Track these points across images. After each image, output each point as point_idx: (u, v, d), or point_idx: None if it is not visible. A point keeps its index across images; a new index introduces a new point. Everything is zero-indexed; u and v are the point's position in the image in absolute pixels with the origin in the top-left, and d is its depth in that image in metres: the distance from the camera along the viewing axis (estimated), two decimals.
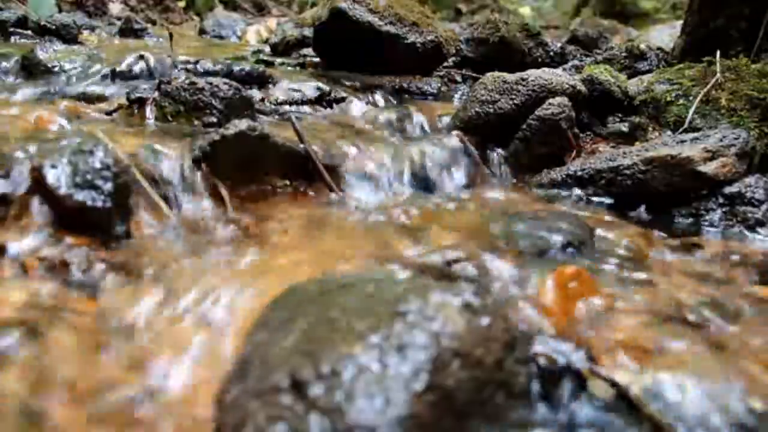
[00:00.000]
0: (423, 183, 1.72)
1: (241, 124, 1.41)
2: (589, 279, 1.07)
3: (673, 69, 2.21)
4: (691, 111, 1.93)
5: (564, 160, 1.85)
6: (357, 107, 2.24)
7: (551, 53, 3.16)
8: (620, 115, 2.13)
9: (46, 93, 1.97)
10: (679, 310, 1.04)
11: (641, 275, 1.18)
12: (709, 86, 1.96)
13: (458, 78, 2.84)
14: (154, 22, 5.37)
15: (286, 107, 2.07)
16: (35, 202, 1.09)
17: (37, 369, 0.77)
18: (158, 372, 0.80)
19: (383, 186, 1.65)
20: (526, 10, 8.57)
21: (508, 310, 0.97)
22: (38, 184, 1.09)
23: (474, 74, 2.79)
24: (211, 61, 2.36)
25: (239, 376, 0.68)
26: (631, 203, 1.61)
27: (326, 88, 2.26)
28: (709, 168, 1.55)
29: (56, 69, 2.18)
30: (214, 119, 1.70)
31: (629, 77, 2.31)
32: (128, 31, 3.61)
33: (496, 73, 2.02)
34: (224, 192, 1.38)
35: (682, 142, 1.64)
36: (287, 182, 1.51)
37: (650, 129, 2.03)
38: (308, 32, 3.26)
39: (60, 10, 4.20)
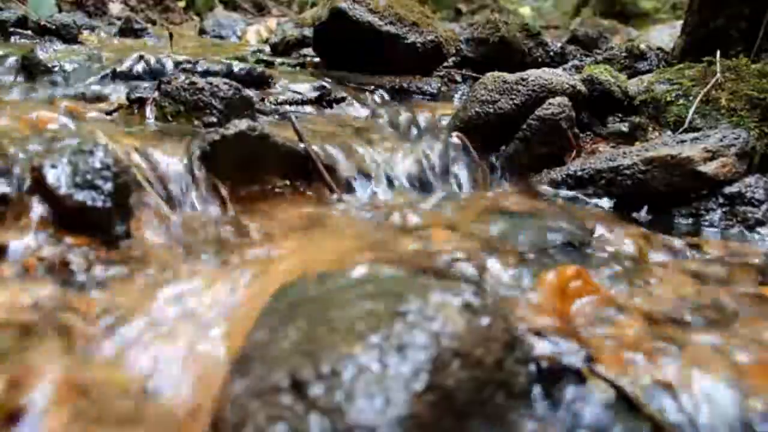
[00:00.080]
0: (423, 183, 1.72)
1: (241, 124, 1.41)
2: (589, 279, 1.07)
3: (673, 69, 2.21)
4: (691, 111, 1.93)
5: (564, 160, 1.85)
6: (357, 107, 2.24)
7: (551, 53, 3.16)
8: (620, 115, 2.13)
9: (46, 93, 1.97)
10: (679, 310, 1.04)
11: (641, 275, 1.18)
12: (709, 86, 1.96)
13: (458, 78, 2.84)
14: (154, 22, 5.37)
15: (286, 107, 2.07)
16: (35, 202, 1.09)
17: (36, 369, 0.77)
18: (158, 372, 0.80)
19: (383, 186, 1.65)
20: (526, 10, 8.57)
21: (508, 310, 0.97)
22: (38, 184, 1.09)
23: (474, 74, 2.78)
24: (211, 61, 2.36)
25: (239, 376, 0.68)
26: (631, 203, 1.61)
27: (326, 88, 2.26)
28: (709, 168, 1.55)
29: (56, 69, 2.18)
30: (214, 119, 1.70)
31: (629, 77, 2.31)
32: (128, 31, 3.61)
33: (496, 73, 2.02)
34: (224, 192, 1.38)
35: (682, 142, 1.64)
36: (287, 182, 1.51)
37: (650, 129, 2.03)
38: (308, 32, 3.27)
39: (60, 10, 4.20)
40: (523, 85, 1.93)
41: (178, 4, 6.43)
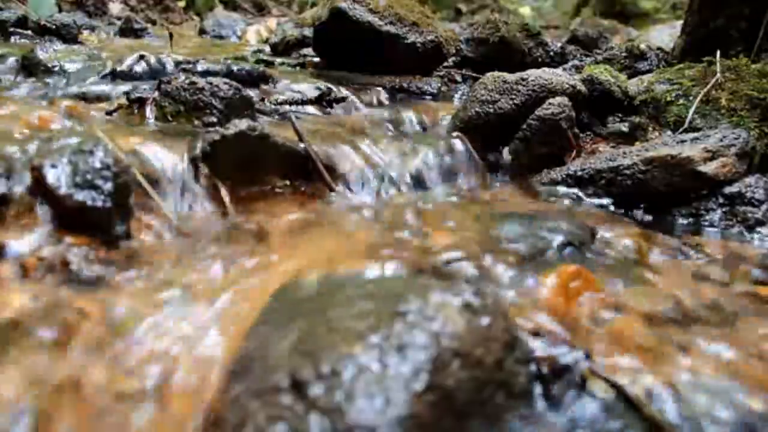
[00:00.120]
0: (423, 183, 1.72)
1: (241, 124, 1.41)
2: (590, 279, 1.07)
3: (673, 69, 2.21)
4: (691, 111, 1.93)
5: (564, 160, 1.85)
6: (357, 107, 2.24)
7: (551, 53, 3.16)
8: (620, 115, 2.13)
9: (46, 93, 1.97)
10: (679, 310, 1.04)
11: (641, 275, 1.18)
12: (709, 86, 1.96)
13: (458, 78, 2.84)
14: (154, 22, 5.38)
15: (286, 107, 2.07)
16: (35, 202, 1.09)
17: (36, 369, 0.77)
18: (158, 372, 0.80)
19: (383, 186, 1.64)
20: (526, 10, 8.57)
21: (508, 310, 0.97)
22: (38, 184, 1.09)
23: (474, 74, 2.79)
24: (211, 60, 2.36)
25: (239, 376, 0.68)
26: (631, 203, 1.61)
27: (326, 88, 2.26)
28: (709, 168, 1.55)
29: (56, 69, 2.18)
30: (214, 119, 1.70)
31: (629, 77, 2.31)
32: (128, 30, 3.61)
33: (496, 73, 2.02)
34: (224, 192, 1.38)
35: (682, 142, 1.64)
36: (287, 182, 1.51)
37: (650, 129, 2.03)
38: (308, 32, 3.27)
39: (60, 10, 4.20)
40: (523, 85, 1.93)
41: (178, 4, 6.43)
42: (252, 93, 2.02)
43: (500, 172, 1.88)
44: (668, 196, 1.58)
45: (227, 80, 1.80)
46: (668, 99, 2.05)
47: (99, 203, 1.09)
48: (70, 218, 1.08)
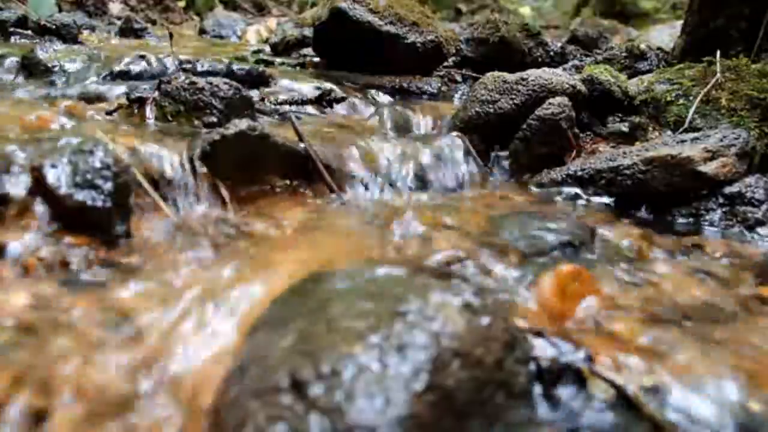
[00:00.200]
0: (423, 183, 1.72)
1: (241, 124, 1.41)
2: (589, 279, 1.07)
3: (673, 69, 2.21)
4: (691, 111, 1.93)
5: (564, 160, 1.85)
6: (357, 107, 2.24)
7: (551, 53, 3.16)
8: (620, 115, 2.13)
9: (46, 93, 1.97)
10: (679, 310, 1.04)
11: (641, 275, 1.18)
12: (709, 86, 1.96)
13: (458, 78, 2.84)
14: (154, 22, 5.37)
15: (286, 107, 2.07)
16: (35, 202, 1.09)
17: (36, 369, 0.77)
18: (157, 372, 0.80)
19: (383, 186, 1.64)
20: (526, 10, 8.57)
21: (508, 309, 0.97)
22: (38, 184, 1.09)
23: (474, 74, 2.79)
24: (212, 60, 2.36)
25: (239, 376, 0.68)
26: (632, 203, 1.61)
27: (326, 87, 2.26)
28: (709, 168, 1.55)
29: (56, 69, 2.18)
30: (214, 119, 1.70)
31: (629, 77, 2.31)
32: (128, 30, 3.61)
33: (496, 73, 2.02)
34: (224, 192, 1.38)
35: (683, 142, 1.64)
36: (287, 182, 1.51)
37: (650, 129, 2.03)
38: (308, 32, 3.27)
39: (60, 10, 4.20)
40: (523, 85, 1.93)
41: (178, 4, 6.43)
42: (252, 93, 2.02)
43: (500, 171, 1.88)
44: (668, 196, 1.58)
45: (227, 80, 1.80)
46: (668, 99, 2.05)
47: (99, 203, 1.09)
48: (70, 218, 1.08)
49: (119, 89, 1.99)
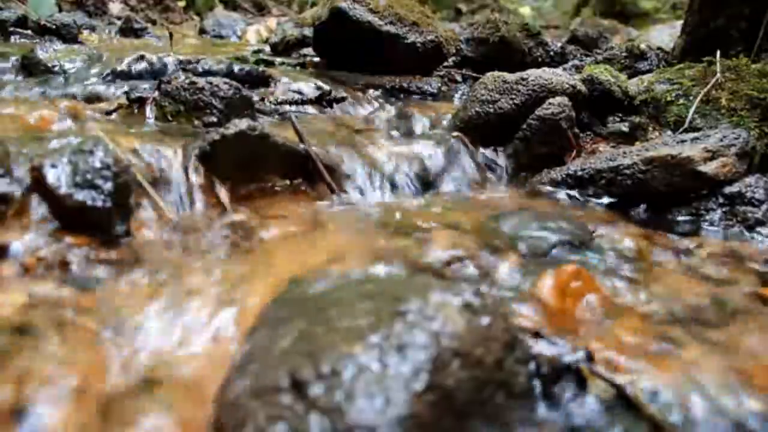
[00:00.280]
0: (423, 183, 1.72)
1: (242, 124, 1.41)
2: (589, 278, 1.07)
3: (673, 69, 2.21)
4: (691, 111, 1.93)
5: (564, 159, 1.85)
6: (357, 107, 2.24)
7: (551, 53, 3.16)
8: (620, 114, 2.13)
9: (46, 92, 1.97)
10: (679, 310, 1.04)
11: (641, 275, 1.18)
12: (709, 86, 1.96)
13: (458, 78, 2.84)
14: (154, 22, 5.37)
15: (286, 107, 2.07)
16: (35, 202, 1.09)
17: (36, 369, 0.77)
18: (157, 371, 0.80)
19: (383, 185, 1.64)
20: (526, 10, 8.56)
21: (508, 309, 0.97)
22: (38, 184, 1.09)
23: (474, 74, 2.79)
24: (212, 60, 2.36)
25: (239, 376, 0.68)
26: (632, 203, 1.61)
27: (326, 87, 2.26)
28: (709, 168, 1.55)
29: (56, 69, 2.18)
30: (214, 119, 1.70)
31: (629, 77, 2.31)
32: (128, 30, 3.61)
33: (496, 73, 2.02)
34: (224, 191, 1.38)
35: (683, 141, 1.64)
36: (287, 182, 1.51)
37: (650, 129, 2.03)
38: (308, 32, 3.27)
39: (60, 10, 4.20)
40: (523, 85, 1.93)
41: (178, 4, 6.43)
42: (252, 93, 2.02)
43: (500, 171, 1.88)
44: (668, 195, 1.58)
45: (227, 80, 1.80)
46: (668, 99, 2.05)
47: (99, 203, 1.09)
48: (70, 218, 1.08)
49: (119, 89, 2.00)
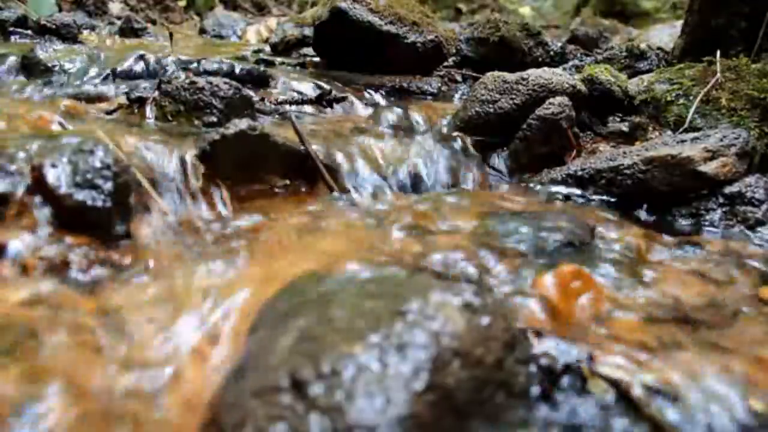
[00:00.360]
0: (423, 182, 1.72)
1: (242, 124, 1.41)
2: (590, 278, 1.07)
3: (673, 69, 2.21)
4: (691, 111, 1.93)
5: (564, 159, 1.85)
6: (357, 107, 2.24)
7: (551, 53, 3.16)
8: (620, 114, 2.13)
9: (46, 92, 1.97)
10: (679, 310, 1.04)
11: (641, 275, 1.18)
12: (709, 86, 1.96)
13: (458, 78, 2.84)
14: (154, 22, 5.38)
15: (287, 107, 2.07)
16: (35, 202, 1.09)
17: (36, 368, 0.77)
18: (157, 372, 0.80)
19: (383, 185, 1.64)
20: (526, 10, 8.57)
21: (508, 309, 0.97)
22: (38, 184, 1.09)
23: (474, 74, 2.79)
24: (212, 60, 2.36)
25: (238, 376, 0.68)
26: (632, 203, 1.61)
27: (326, 87, 2.26)
28: (709, 168, 1.55)
29: (56, 68, 2.18)
30: (214, 119, 1.70)
31: (629, 77, 2.31)
32: (128, 30, 3.61)
33: (497, 73, 2.02)
34: (224, 191, 1.38)
35: (683, 141, 1.63)
36: (287, 182, 1.51)
37: (650, 129, 2.03)
38: (308, 32, 3.27)
39: (60, 10, 4.20)
40: (524, 85, 1.93)
41: (178, 4, 6.43)
42: (252, 92, 2.02)
43: (500, 171, 1.88)
44: (668, 195, 1.58)
45: (227, 80, 1.80)
46: (668, 99, 2.05)
47: (99, 203, 1.09)
48: (70, 218, 1.08)
49: (119, 89, 2.00)
